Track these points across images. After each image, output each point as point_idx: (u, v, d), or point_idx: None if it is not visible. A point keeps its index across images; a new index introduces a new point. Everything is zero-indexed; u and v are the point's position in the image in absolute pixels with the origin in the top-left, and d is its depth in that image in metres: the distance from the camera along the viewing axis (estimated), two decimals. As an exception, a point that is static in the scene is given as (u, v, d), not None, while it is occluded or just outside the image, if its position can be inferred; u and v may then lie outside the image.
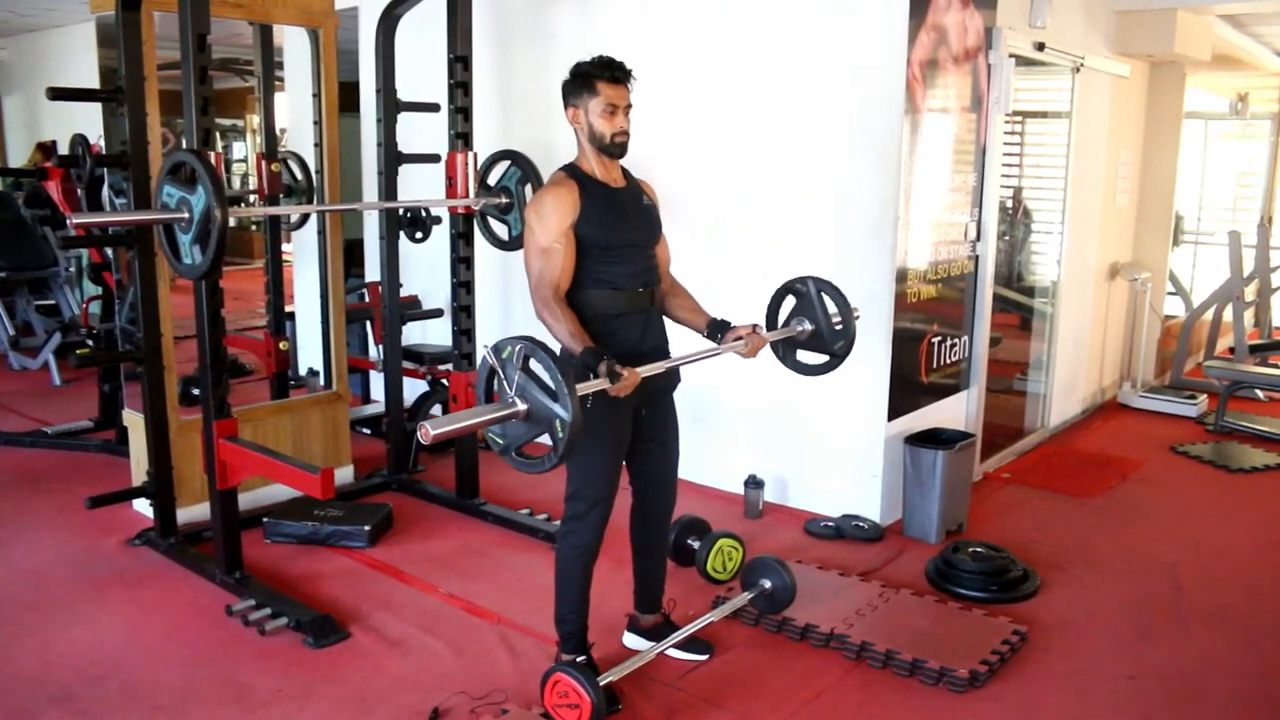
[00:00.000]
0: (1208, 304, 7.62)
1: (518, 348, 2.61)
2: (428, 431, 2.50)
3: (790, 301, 3.52)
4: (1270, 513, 5.17)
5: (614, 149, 3.09)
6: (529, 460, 2.71)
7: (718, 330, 3.29)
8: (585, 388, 2.75)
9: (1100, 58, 6.14)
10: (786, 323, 3.52)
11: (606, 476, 3.18)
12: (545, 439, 2.64)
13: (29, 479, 5.38)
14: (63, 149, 8.04)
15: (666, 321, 3.33)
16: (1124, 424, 6.78)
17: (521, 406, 2.63)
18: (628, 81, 3.09)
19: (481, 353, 2.70)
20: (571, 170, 3.13)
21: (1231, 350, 7.58)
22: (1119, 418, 6.93)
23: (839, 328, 3.46)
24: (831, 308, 3.46)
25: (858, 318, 3.48)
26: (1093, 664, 3.56)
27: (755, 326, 3.30)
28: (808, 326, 3.49)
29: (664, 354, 3.26)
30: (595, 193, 3.08)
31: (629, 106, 3.10)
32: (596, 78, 3.04)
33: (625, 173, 3.23)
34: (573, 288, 3.07)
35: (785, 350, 3.55)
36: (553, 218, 3.01)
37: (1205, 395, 7.05)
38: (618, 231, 3.10)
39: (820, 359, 3.53)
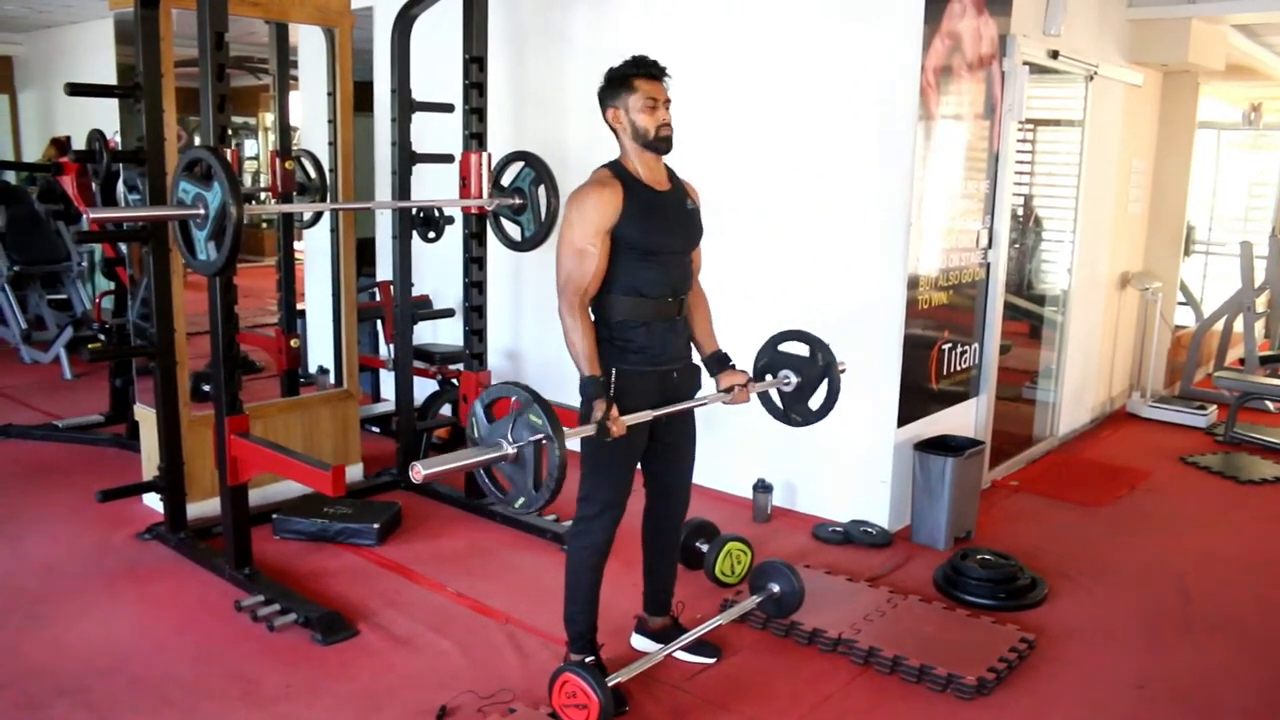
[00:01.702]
0: (1218, 314, 7.61)
1: (542, 433, 2.64)
2: (419, 471, 2.55)
3: (796, 347, 3.57)
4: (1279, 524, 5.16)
5: (660, 143, 3.07)
6: (498, 491, 2.78)
7: (716, 364, 3.36)
8: (574, 434, 2.80)
9: (1114, 66, 6.13)
10: (779, 369, 3.58)
11: (620, 480, 3.18)
12: (512, 482, 2.73)
13: (40, 472, 5.41)
14: (77, 145, 8.08)
15: None
16: (1133, 434, 6.77)
17: (511, 450, 2.69)
18: (663, 77, 3.09)
19: (511, 387, 2.72)
20: (616, 169, 3.10)
21: (1242, 361, 7.57)
22: (1128, 427, 6.92)
23: (816, 407, 3.55)
24: (823, 389, 3.54)
25: (843, 371, 3.53)
26: (1101, 673, 3.55)
27: (749, 381, 3.38)
28: (794, 381, 3.57)
29: (686, 359, 3.27)
30: (639, 194, 3.05)
31: (668, 100, 3.10)
32: (634, 76, 3.05)
33: (670, 174, 3.21)
34: (601, 291, 3.05)
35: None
36: (594, 216, 2.99)
37: (1215, 406, 7.03)
38: (658, 236, 3.07)
39: (779, 407, 3.64)
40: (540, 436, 2.65)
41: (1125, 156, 6.69)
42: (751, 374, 3.51)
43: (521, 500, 2.70)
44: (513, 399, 2.71)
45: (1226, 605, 4.13)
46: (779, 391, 3.62)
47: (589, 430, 2.89)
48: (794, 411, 3.61)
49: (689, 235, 3.22)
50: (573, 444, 2.74)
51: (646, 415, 3.08)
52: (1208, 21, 6.44)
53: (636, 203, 3.03)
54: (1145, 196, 7.27)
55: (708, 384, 3.37)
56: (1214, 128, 8.50)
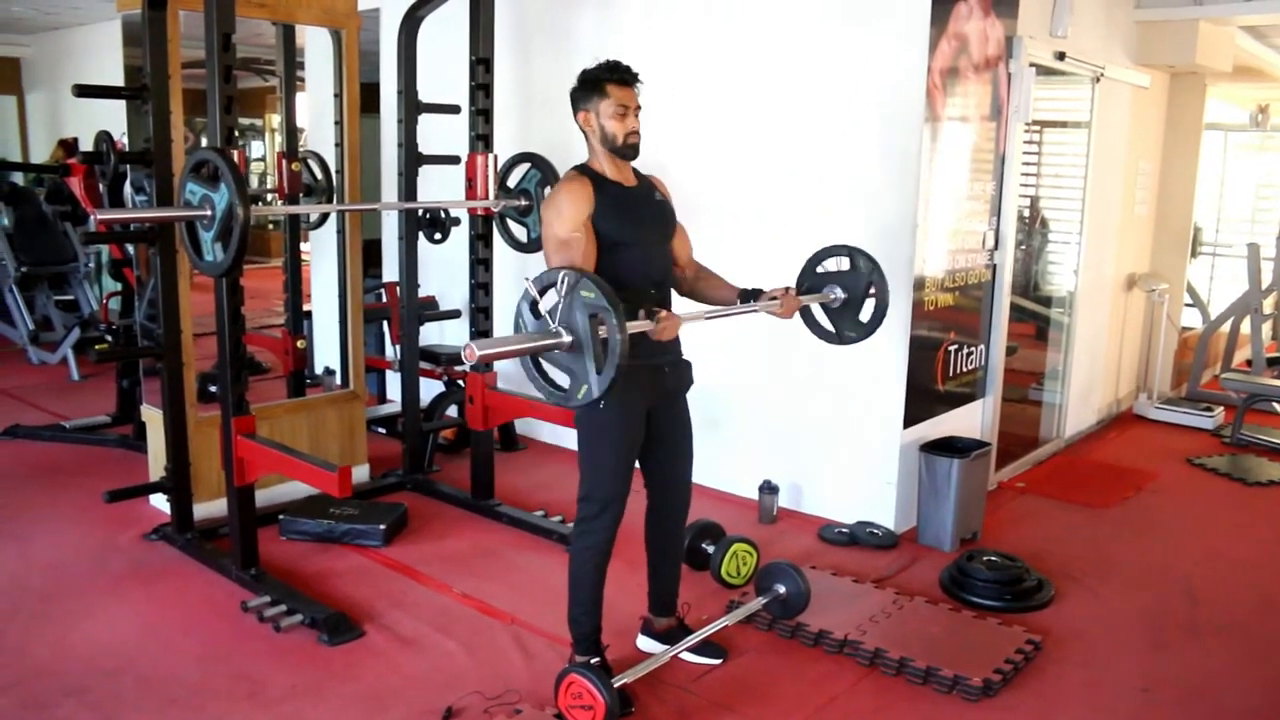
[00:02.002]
0: (1225, 316, 7.59)
1: (597, 307, 2.58)
2: (473, 351, 2.52)
3: (838, 264, 3.56)
4: (1286, 526, 5.15)
5: (627, 150, 3.13)
6: (553, 388, 2.74)
7: (750, 298, 3.35)
8: (632, 328, 2.76)
9: (1120, 68, 6.13)
10: (822, 288, 3.56)
11: (618, 477, 3.18)
12: (571, 373, 2.68)
13: (47, 473, 5.42)
14: (85, 146, 8.10)
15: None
16: (1140, 435, 6.76)
17: (566, 338, 2.64)
18: (635, 84, 3.14)
19: (560, 270, 2.67)
20: (584, 169, 3.17)
21: (1249, 363, 7.55)
22: (1135, 429, 6.91)
23: (865, 319, 3.53)
24: (870, 305, 3.53)
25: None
26: (1107, 675, 3.55)
27: (788, 289, 3.36)
28: (840, 295, 3.55)
29: (676, 355, 3.28)
30: (608, 190, 3.11)
31: (638, 108, 3.14)
32: (605, 80, 3.10)
33: (635, 172, 3.26)
34: None
35: (806, 308, 3.61)
36: (569, 210, 3.04)
37: (1222, 408, 7.01)
38: (631, 228, 3.12)
39: (829, 329, 3.63)
40: (595, 312, 2.59)
41: (1132, 158, 6.68)
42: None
43: (584, 389, 2.64)
44: (561, 279, 2.65)
45: (1233, 607, 4.13)
46: (826, 312, 3.59)
47: (646, 325, 2.86)
48: (845, 329, 3.58)
49: (662, 225, 3.27)
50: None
51: (699, 315, 3.13)
52: (1215, 23, 6.43)
53: (607, 198, 3.09)
54: (1152, 198, 7.26)
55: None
56: (1221, 129, 8.49)
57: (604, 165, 3.16)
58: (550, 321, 2.66)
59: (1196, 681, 3.53)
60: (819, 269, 3.60)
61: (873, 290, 3.51)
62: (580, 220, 3.03)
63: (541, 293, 2.71)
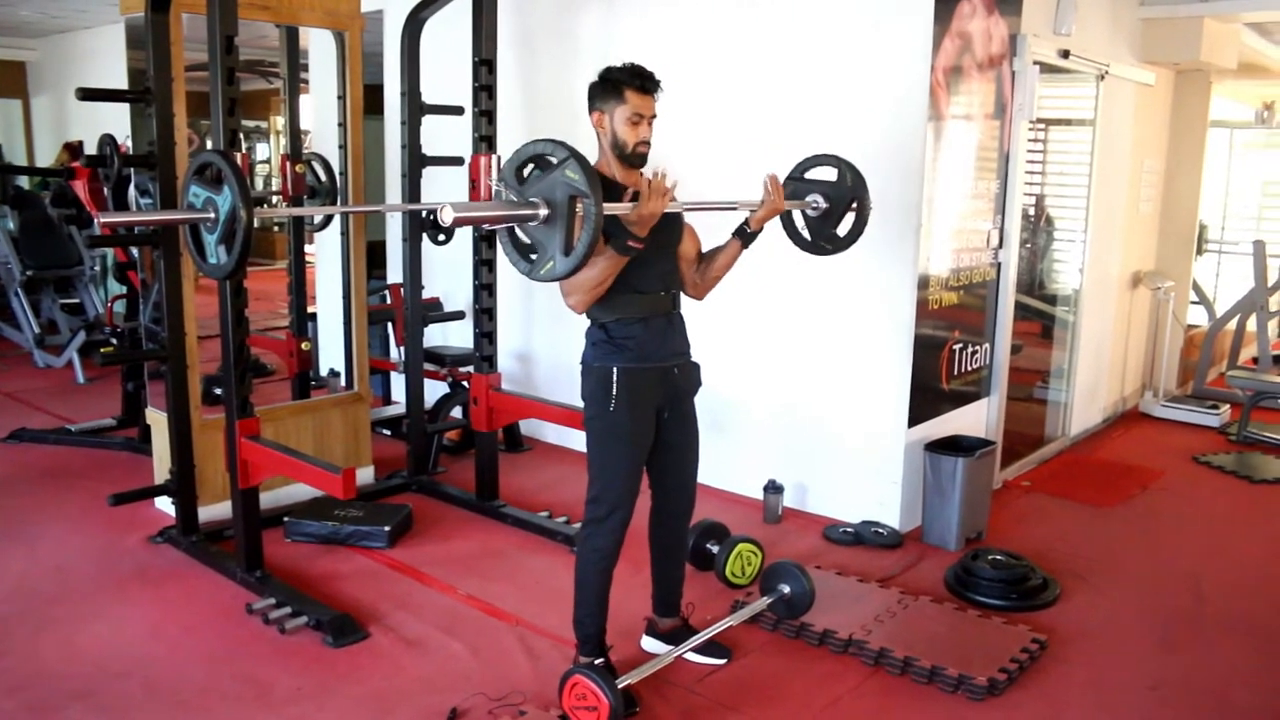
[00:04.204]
0: (1231, 313, 7.57)
1: (577, 190, 2.55)
2: (449, 212, 2.51)
3: (822, 173, 3.56)
4: (1293, 524, 5.14)
5: (635, 158, 3.10)
6: (523, 258, 2.72)
7: (742, 231, 3.33)
8: (612, 208, 2.77)
9: (1125, 65, 6.11)
10: (805, 195, 3.56)
11: (628, 480, 3.18)
12: (541, 247, 2.66)
13: (52, 476, 5.43)
14: (89, 149, 8.12)
15: (689, 325, 3.33)
16: (1145, 433, 6.74)
17: (543, 211, 2.62)
18: (655, 92, 3.09)
19: (548, 144, 2.64)
20: None
21: (1255, 360, 7.53)
22: (1140, 427, 6.89)
23: (844, 233, 3.53)
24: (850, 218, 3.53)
25: (871, 209, 3.51)
26: (1113, 674, 3.54)
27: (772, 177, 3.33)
28: (822, 205, 3.53)
29: (685, 358, 3.28)
30: (614, 195, 3.06)
31: (654, 117, 3.11)
32: (625, 85, 3.04)
33: (642, 176, 3.23)
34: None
35: (786, 213, 3.60)
36: None
37: (1228, 405, 7.00)
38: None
39: (807, 238, 3.63)
40: (576, 194, 2.56)
41: (1137, 156, 6.67)
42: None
43: (549, 265, 2.61)
44: (548, 156, 2.62)
45: (1240, 605, 4.11)
46: (806, 220, 3.57)
47: (626, 207, 2.85)
48: (822, 239, 3.56)
49: (669, 231, 3.23)
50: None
51: (679, 206, 3.08)
52: (1220, 20, 6.41)
53: (613, 201, 3.04)
54: (1157, 196, 7.24)
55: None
56: (1226, 126, 8.46)
57: (612, 168, 3.12)
58: (534, 190, 2.63)
59: (1205, 680, 3.52)
60: (806, 175, 3.59)
61: (855, 205, 3.49)
62: None
63: (524, 165, 2.69)
